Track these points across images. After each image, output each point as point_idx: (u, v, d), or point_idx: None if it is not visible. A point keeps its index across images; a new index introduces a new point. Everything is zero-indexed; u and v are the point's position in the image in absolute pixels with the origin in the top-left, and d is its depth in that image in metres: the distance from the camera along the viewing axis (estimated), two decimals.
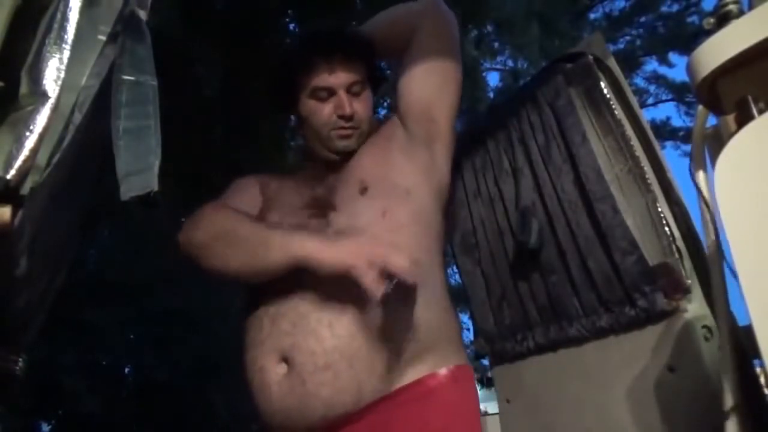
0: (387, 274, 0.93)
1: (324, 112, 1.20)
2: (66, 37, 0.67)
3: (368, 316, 1.00)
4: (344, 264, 0.96)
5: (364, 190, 1.14)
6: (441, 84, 1.24)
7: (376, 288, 0.93)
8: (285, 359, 1.01)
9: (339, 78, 1.19)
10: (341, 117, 1.19)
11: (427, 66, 1.24)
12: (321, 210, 1.15)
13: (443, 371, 1.04)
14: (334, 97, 1.19)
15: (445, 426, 1.01)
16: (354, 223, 1.10)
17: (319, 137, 1.23)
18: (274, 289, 1.05)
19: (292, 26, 4.24)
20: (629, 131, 1.47)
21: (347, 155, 1.23)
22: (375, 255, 0.95)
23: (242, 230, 1.09)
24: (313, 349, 0.99)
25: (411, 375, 1.02)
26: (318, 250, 0.99)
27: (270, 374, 1.02)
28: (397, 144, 1.22)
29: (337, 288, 1.00)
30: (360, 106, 1.21)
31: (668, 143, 9.17)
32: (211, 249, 1.09)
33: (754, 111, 0.67)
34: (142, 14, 0.77)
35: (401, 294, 0.96)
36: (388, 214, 1.11)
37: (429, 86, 1.23)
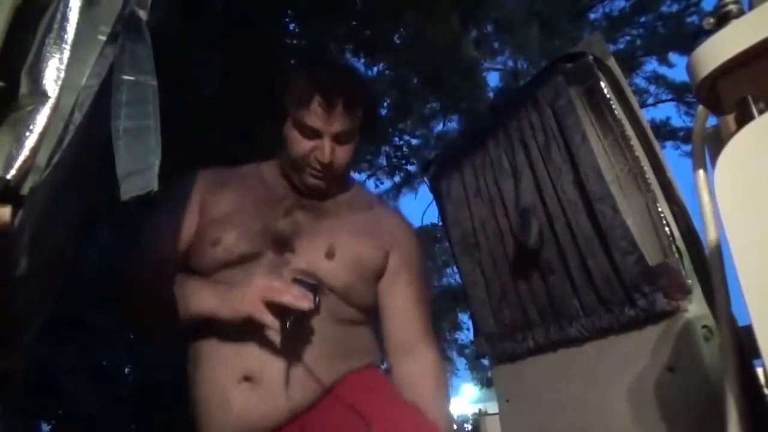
0: (284, 310, 1.05)
1: (304, 146, 1.21)
2: (66, 37, 0.67)
3: (323, 338, 1.14)
4: (243, 313, 1.07)
5: (331, 255, 1.19)
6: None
7: (274, 325, 1.06)
8: (247, 377, 1.11)
9: (332, 126, 1.18)
10: (320, 162, 1.21)
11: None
12: (279, 246, 1.19)
13: (364, 368, 1.20)
14: (319, 139, 1.20)
15: (376, 401, 1.15)
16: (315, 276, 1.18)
17: (293, 165, 1.24)
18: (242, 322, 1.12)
19: (292, 26, 4.24)
20: (629, 131, 1.47)
21: (319, 194, 1.26)
22: (268, 296, 1.06)
23: (166, 294, 1.15)
24: (281, 368, 1.10)
25: (342, 373, 1.17)
26: (218, 308, 1.10)
27: (233, 391, 1.11)
28: (375, 248, 1.26)
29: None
30: (342, 154, 1.22)
31: (668, 143, 9.16)
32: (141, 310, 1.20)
33: (754, 111, 0.67)
34: (142, 14, 0.77)
35: (303, 321, 1.09)
36: (347, 287, 1.20)
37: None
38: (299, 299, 1.04)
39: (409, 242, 1.32)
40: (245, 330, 1.11)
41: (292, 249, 1.19)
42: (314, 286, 1.09)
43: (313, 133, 1.20)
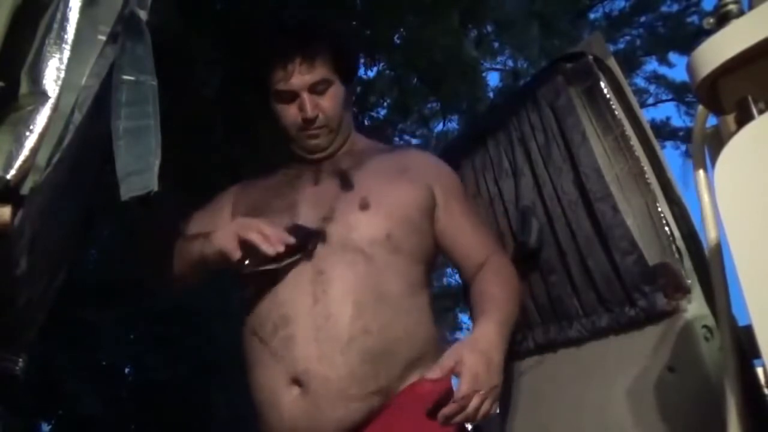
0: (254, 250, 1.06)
1: (289, 113, 1.21)
2: (66, 37, 0.67)
3: (372, 340, 1.06)
4: (216, 246, 1.10)
5: (365, 206, 1.14)
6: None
7: (233, 257, 1.07)
8: (297, 382, 1.05)
9: (299, 80, 1.17)
10: (305, 120, 1.19)
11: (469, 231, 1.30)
12: (311, 217, 1.17)
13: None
14: (298, 98, 1.19)
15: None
16: (352, 236, 1.13)
17: (290, 138, 1.25)
18: (282, 313, 1.09)
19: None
20: (629, 131, 1.47)
21: (324, 151, 1.25)
22: (240, 232, 1.07)
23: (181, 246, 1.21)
24: (327, 375, 1.03)
25: (406, 382, 1.09)
26: (203, 248, 1.13)
27: (283, 396, 1.05)
28: (415, 187, 1.23)
29: (344, 315, 1.06)
30: (327, 104, 1.20)
31: (668, 143, 9.16)
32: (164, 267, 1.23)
33: (754, 111, 0.67)
34: (142, 14, 0.77)
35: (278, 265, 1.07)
36: (392, 237, 1.14)
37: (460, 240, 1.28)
38: (265, 242, 1.04)
39: (447, 174, 1.32)
40: (298, 327, 1.06)
41: (329, 215, 1.16)
42: (311, 232, 1.09)
43: (291, 96, 1.19)
